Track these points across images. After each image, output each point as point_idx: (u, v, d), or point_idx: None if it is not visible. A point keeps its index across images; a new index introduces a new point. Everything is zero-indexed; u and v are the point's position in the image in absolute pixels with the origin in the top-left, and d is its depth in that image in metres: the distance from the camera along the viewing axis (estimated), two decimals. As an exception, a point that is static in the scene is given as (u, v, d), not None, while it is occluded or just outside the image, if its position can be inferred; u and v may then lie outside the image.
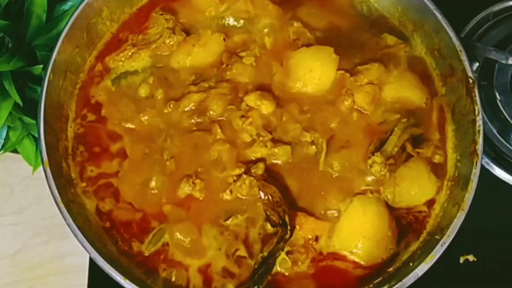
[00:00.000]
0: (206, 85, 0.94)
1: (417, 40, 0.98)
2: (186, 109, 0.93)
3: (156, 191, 0.90)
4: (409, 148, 0.91)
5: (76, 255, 1.01)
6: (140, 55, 0.96)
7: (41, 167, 0.86)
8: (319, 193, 0.90)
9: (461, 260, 1.01)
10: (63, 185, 0.87)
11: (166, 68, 0.96)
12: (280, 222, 0.87)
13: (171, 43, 0.96)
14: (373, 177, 0.90)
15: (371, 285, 0.86)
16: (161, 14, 0.98)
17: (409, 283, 0.82)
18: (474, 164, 0.87)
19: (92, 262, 0.97)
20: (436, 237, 0.86)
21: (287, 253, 0.87)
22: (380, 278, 0.87)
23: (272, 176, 0.90)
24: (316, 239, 0.88)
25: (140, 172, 0.91)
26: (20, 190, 1.07)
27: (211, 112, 0.92)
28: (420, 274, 0.82)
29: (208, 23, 0.99)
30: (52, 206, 0.84)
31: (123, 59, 0.96)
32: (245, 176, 0.89)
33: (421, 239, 0.89)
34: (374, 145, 0.92)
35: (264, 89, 0.94)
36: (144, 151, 0.92)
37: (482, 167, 0.88)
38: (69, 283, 1.03)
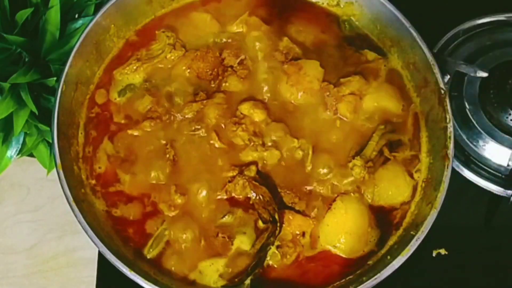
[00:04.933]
0: (204, 95, 0.94)
1: (394, 55, 0.98)
2: (186, 117, 0.93)
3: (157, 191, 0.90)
4: (386, 152, 0.91)
5: (86, 249, 1.01)
6: (144, 69, 0.96)
7: (54, 170, 0.86)
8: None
9: (434, 253, 1.01)
10: (74, 186, 0.87)
11: (167, 80, 0.96)
12: (271, 219, 0.87)
13: (172, 57, 0.96)
14: (354, 179, 0.90)
15: (352, 276, 0.87)
16: (163, 32, 0.98)
17: (387, 274, 0.82)
18: (446, 167, 0.87)
19: (100, 256, 0.97)
20: (411, 232, 0.86)
21: (277, 247, 0.87)
22: (361, 270, 0.87)
23: (262, 177, 0.90)
24: (303, 234, 0.89)
25: (144, 173, 0.91)
26: (36, 190, 1.07)
27: (208, 120, 0.92)
28: (396, 266, 0.83)
29: (205, 40, 0.99)
30: (64, 204, 0.84)
31: (128, 72, 0.96)
32: (238, 177, 0.89)
33: (397, 234, 0.89)
34: (354, 150, 0.92)
35: (255, 99, 0.94)
36: (148, 155, 0.92)
37: (453, 169, 0.89)
38: (80, 274, 1.02)
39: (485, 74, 0.97)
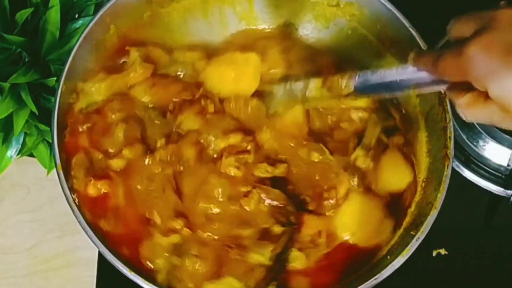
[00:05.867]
0: (177, 135, 0.90)
1: (394, 55, 0.98)
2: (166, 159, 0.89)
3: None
4: (384, 139, 0.92)
5: (86, 249, 1.01)
6: (108, 84, 0.92)
7: (54, 170, 0.85)
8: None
9: (434, 253, 1.01)
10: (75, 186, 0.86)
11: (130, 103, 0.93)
12: (287, 222, 0.87)
13: (138, 75, 0.93)
14: (360, 171, 0.90)
15: (354, 276, 0.87)
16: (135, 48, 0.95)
17: (387, 274, 0.82)
18: (446, 167, 0.87)
19: (100, 256, 0.97)
20: (412, 233, 0.85)
21: (299, 249, 0.87)
22: (363, 269, 0.87)
23: (277, 181, 0.90)
24: (320, 233, 0.88)
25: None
26: (36, 190, 1.07)
27: (186, 160, 0.89)
28: (396, 266, 0.82)
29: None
30: (64, 204, 0.83)
31: (92, 84, 0.92)
32: (254, 191, 0.88)
33: (398, 234, 0.89)
34: (353, 143, 0.92)
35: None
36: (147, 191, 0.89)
37: (453, 169, 0.88)
38: (80, 274, 1.02)
39: (485, 74, 0.97)
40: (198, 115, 0.91)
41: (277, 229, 0.87)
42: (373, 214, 0.89)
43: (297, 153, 0.91)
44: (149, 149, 0.90)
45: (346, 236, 0.88)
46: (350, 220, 0.88)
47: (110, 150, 0.89)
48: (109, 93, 0.92)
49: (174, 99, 0.93)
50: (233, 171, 0.89)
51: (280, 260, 0.86)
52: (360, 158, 0.90)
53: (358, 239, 0.88)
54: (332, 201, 0.89)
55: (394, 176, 0.91)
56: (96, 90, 0.91)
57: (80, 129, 0.89)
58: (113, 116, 0.90)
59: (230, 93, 0.94)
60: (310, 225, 0.88)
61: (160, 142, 0.89)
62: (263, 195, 0.88)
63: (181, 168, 0.89)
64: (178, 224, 0.86)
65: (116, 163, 0.89)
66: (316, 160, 0.91)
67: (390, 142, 0.92)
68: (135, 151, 0.89)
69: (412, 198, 0.90)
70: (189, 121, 0.91)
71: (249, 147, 0.90)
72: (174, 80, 0.94)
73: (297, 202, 0.89)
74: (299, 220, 0.87)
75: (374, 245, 0.89)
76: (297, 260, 0.87)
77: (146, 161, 0.88)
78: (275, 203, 0.88)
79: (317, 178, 0.91)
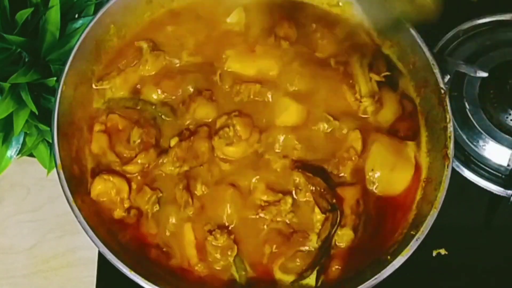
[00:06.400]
0: (188, 133, 0.92)
1: (394, 55, 0.98)
2: (179, 156, 0.90)
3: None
4: (375, 77, 0.94)
5: (86, 249, 1.01)
6: (122, 78, 0.94)
7: (54, 170, 0.86)
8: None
9: (434, 253, 1.01)
10: (75, 185, 0.87)
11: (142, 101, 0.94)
12: (329, 207, 0.87)
13: (148, 68, 0.95)
14: (370, 117, 0.93)
15: (353, 275, 0.87)
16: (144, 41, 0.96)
17: (387, 274, 0.82)
18: (446, 167, 0.87)
19: (100, 256, 0.97)
20: (412, 232, 0.86)
21: (342, 226, 0.87)
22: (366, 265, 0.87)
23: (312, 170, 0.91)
24: (358, 202, 0.89)
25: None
26: (36, 190, 1.07)
27: (202, 155, 0.91)
28: (396, 266, 0.82)
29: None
30: (64, 204, 0.84)
31: (110, 82, 0.94)
32: (286, 197, 0.89)
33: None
34: (351, 92, 0.93)
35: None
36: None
37: (453, 169, 0.89)
38: (80, 274, 1.02)
39: (485, 74, 0.97)
40: (209, 101, 0.93)
41: (320, 216, 0.88)
42: (394, 155, 0.90)
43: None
44: (163, 151, 0.91)
45: (378, 188, 0.90)
46: (377, 168, 0.90)
47: (125, 154, 0.91)
48: (126, 88, 0.94)
49: (183, 88, 0.94)
50: (228, 151, 0.90)
51: (324, 247, 0.87)
52: (369, 107, 0.92)
53: (396, 188, 0.90)
54: (354, 158, 0.90)
55: (393, 107, 0.94)
56: (113, 87, 0.94)
57: (97, 129, 0.92)
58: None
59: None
60: (348, 198, 0.88)
61: (174, 141, 0.91)
62: (310, 186, 0.89)
63: (198, 163, 0.90)
64: (224, 238, 0.87)
65: (131, 169, 0.90)
66: (326, 130, 0.92)
67: (381, 78, 0.93)
68: (149, 156, 0.90)
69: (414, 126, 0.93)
70: (202, 108, 0.92)
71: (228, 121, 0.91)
72: (179, 70, 0.95)
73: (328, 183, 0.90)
74: (339, 199, 0.88)
75: (404, 190, 0.90)
76: (344, 237, 0.87)
77: (161, 160, 0.90)
78: (316, 188, 0.88)
79: (331, 148, 0.92)
